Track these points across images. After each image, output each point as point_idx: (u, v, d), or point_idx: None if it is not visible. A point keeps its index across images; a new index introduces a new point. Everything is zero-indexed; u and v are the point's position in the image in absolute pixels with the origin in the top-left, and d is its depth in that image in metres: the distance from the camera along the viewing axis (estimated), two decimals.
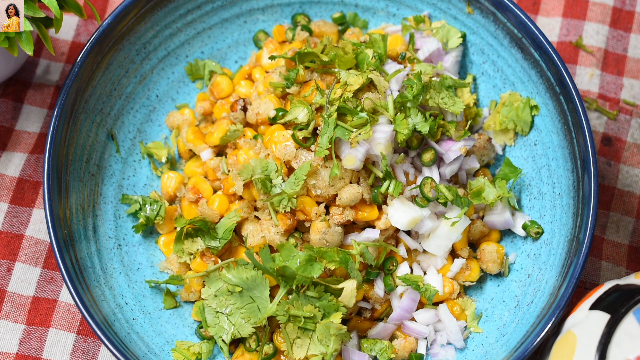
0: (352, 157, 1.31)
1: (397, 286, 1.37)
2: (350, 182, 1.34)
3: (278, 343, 1.34)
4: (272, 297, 1.32)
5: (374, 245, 1.34)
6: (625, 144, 1.57)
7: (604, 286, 1.27)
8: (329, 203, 1.35)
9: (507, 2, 1.39)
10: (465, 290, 1.45)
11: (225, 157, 1.42)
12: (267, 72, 1.47)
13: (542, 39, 1.37)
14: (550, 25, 1.64)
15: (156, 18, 1.47)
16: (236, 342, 1.39)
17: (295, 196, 1.33)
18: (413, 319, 1.39)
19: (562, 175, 1.39)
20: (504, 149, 1.49)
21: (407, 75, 1.40)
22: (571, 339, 1.23)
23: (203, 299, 1.35)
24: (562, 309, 1.27)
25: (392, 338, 1.40)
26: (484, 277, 1.45)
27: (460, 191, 1.38)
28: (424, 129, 1.34)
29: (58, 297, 1.46)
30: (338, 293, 1.31)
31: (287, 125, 1.38)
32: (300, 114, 1.35)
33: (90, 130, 1.44)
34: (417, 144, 1.38)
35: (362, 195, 1.33)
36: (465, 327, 1.41)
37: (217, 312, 1.34)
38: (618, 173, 1.55)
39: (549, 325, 1.27)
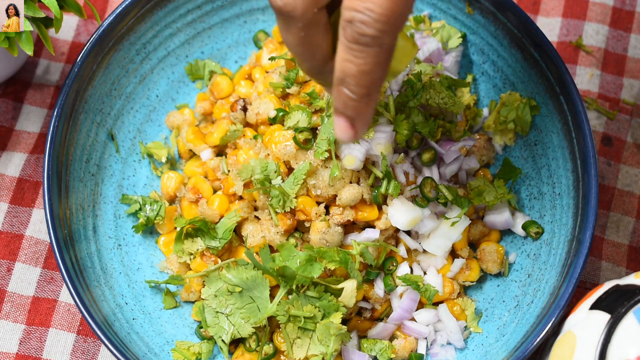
0: (352, 157, 1.31)
1: (397, 286, 1.37)
2: (350, 182, 1.34)
3: (278, 343, 1.34)
4: (272, 297, 1.32)
5: (374, 245, 1.34)
6: (625, 144, 1.57)
7: (604, 286, 1.27)
8: (329, 203, 1.35)
9: (507, 2, 1.39)
10: (465, 290, 1.45)
11: (225, 157, 1.42)
12: (267, 72, 1.47)
13: (542, 39, 1.37)
14: (550, 25, 1.64)
15: (156, 18, 1.47)
16: (236, 342, 1.39)
17: (294, 196, 1.33)
18: (413, 319, 1.39)
19: (562, 175, 1.39)
20: (504, 149, 1.49)
21: (407, 75, 1.40)
22: (571, 339, 1.23)
23: (203, 299, 1.35)
24: (562, 309, 1.27)
25: (392, 338, 1.40)
26: (484, 277, 1.45)
27: (460, 191, 1.38)
28: (424, 129, 1.34)
29: (58, 297, 1.46)
30: (338, 293, 1.31)
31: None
32: (299, 118, 1.35)
33: (90, 130, 1.44)
34: (417, 144, 1.38)
35: (362, 195, 1.33)
36: (465, 327, 1.41)
37: (217, 312, 1.34)
38: (618, 173, 1.55)
39: (549, 325, 1.27)
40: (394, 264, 1.37)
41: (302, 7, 0.99)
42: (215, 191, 1.44)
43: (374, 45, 0.98)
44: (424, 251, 1.39)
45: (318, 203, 1.35)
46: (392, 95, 1.36)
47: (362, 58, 0.99)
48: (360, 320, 1.39)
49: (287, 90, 1.40)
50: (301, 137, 1.34)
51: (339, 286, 1.31)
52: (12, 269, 1.47)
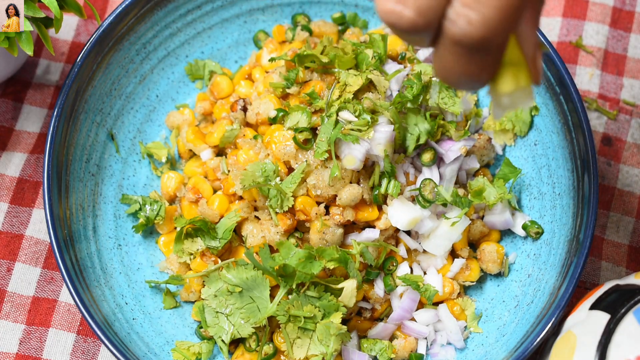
0: (352, 157, 1.31)
1: (397, 286, 1.37)
2: (350, 182, 1.34)
3: (278, 343, 1.34)
4: (272, 297, 1.32)
5: (374, 245, 1.34)
6: (625, 144, 1.57)
7: (604, 286, 1.27)
8: (329, 203, 1.35)
9: None
10: (465, 290, 1.45)
11: (225, 157, 1.42)
12: (267, 72, 1.47)
13: (542, 39, 1.37)
14: (550, 25, 1.64)
15: (156, 18, 1.47)
16: (236, 342, 1.39)
17: (291, 194, 1.33)
18: (413, 319, 1.39)
19: (562, 175, 1.39)
20: (504, 149, 1.49)
21: (407, 75, 1.40)
22: (571, 339, 1.23)
23: (203, 299, 1.35)
24: (562, 309, 1.27)
25: (392, 338, 1.40)
26: (484, 277, 1.45)
27: (460, 191, 1.38)
28: (428, 128, 1.35)
29: (58, 297, 1.46)
30: (338, 293, 1.31)
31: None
32: (299, 118, 1.35)
33: (90, 130, 1.44)
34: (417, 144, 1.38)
35: (362, 195, 1.33)
36: (465, 327, 1.41)
37: (217, 312, 1.34)
38: (618, 173, 1.55)
39: (549, 325, 1.27)
40: (394, 264, 1.37)
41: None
42: (215, 191, 1.44)
43: (480, 50, 0.85)
44: (424, 251, 1.39)
45: (318, 203, 1.35)
46: (389, 102, 1.36)
47: (465, 63, 0.87)
48: (360, 320, 1.39)
49: (287, 90, 1.40)
50: (301, 137, 1.34)
51: (339, 286, 1.31)
52: (12, 269, 1.47)
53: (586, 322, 1.23)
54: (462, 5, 0.82)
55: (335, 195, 1.34)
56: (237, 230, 1.40)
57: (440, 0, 0.83)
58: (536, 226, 1.41)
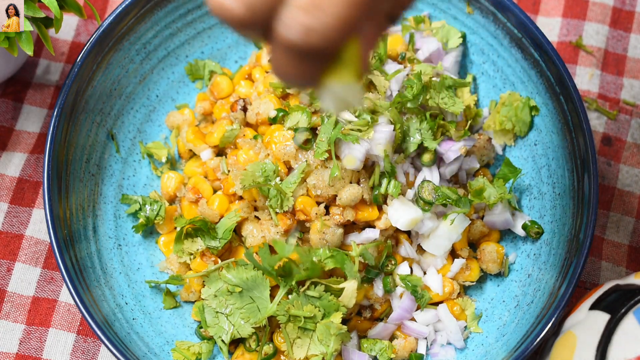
0: (352, 157, 1.31)
1: (396, 286, 1.37)
2: (350, 182, 1.34)
3: (278, 343, 1.34)
4: (272, 297, 1.32)
5: (374, 245, 1.34)
6: (625, 144, 1.57)
7: (604, 286, 1.27)
8: (329, 203, 1.35)
9: (507, 2, 1.39)
10: (465, 290, 1.45)
11: (225, 157, 1.42)
12: (267, 72, 1.47)
13: (542, 39, 1.37)
14: (550, 25, 1.64)
15: (156, 18, 1.47)
16: (236, 342, 1.39)
17: (291, 195, 1.33)
18: (413, 319, 1.39)
19: (562, 175, 1.39)
20: (504, 149, 1.49)
21: (407, 75, 1.40)
22: (571, 339, 1.23)
23: (203, 299, 1.35)
24: (562, 309, 1.27)
25: (392, 338, 1.40)
26: (484, 277, 1.45)
27: (460, 191, 1.38)
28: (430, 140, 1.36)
29: (58, 297, 1.46)
30: (338, 293, 1.31)
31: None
32: (299, 118, 1.35)
33: (90, 130, 1.44)
34: (416, 145, 1.38)
35: (362, 196, 1.33)
36: (465, 327, 1.41)
37: (217, 312, 1.34)
38: (618, 173, 1.55)
39: (549, 325, 1.27)
40: (393, 263, 1.37)
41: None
42: (215, 191, 1.44)
43: (314, 56, 0.81)
44: (424, 251, 1.39)
45: (318, 203, 1.35)
46: (389, 101, 1.36)
47: (298, 66, 0.82)
48: (360, 320, 1.39)
49: (287, 90, 1.40)
50: (301, 137, 1.34)
51: (340, 286, 1.31)
52: (12, 269, 1.47)
53: (586, 322, 1.23)
54: (298, 9, 0.76)
55: (335, 195, 1.34)
56: (237, 230, 1.40)
57: None
58: (536, 226, 1.41)
